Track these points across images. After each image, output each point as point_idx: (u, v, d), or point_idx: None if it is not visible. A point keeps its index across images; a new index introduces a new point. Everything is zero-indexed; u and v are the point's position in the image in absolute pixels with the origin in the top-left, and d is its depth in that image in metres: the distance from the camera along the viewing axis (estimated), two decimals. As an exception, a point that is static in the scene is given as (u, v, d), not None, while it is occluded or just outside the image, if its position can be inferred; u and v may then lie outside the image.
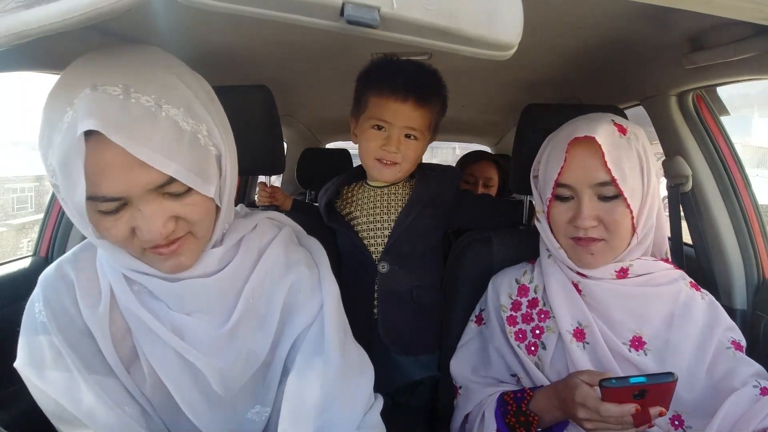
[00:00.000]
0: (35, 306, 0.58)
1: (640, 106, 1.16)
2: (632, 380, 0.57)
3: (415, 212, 0.97)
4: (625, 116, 0.93)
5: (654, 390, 0.58)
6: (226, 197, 0.57)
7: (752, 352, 0.96)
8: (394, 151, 0.93)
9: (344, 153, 2.17)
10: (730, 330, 0.73)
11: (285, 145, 2.46)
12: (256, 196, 1.21)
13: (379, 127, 0.93)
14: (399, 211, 0.98)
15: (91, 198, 0.46)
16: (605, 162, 0.67)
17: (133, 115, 0.45)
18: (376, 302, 0.99)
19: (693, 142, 1.04)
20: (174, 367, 0.57)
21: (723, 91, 1.03)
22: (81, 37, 0.80)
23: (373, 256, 0.99)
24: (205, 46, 0.96)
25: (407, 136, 0.94)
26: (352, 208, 1.03)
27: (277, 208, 1.15)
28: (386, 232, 0.99)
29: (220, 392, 0.58)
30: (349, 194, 1.05)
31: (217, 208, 0.57)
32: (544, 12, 0.74)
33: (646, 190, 0.71)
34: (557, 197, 0.74)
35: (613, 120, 0.72)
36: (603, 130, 0.69)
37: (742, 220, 1.02)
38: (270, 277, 0.63)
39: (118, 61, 0.48)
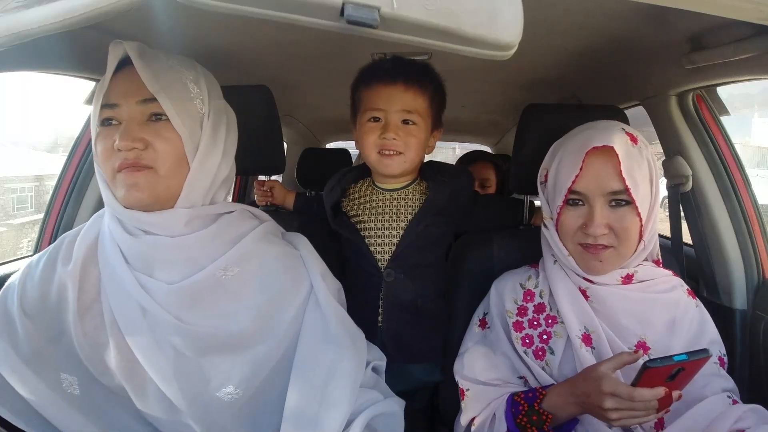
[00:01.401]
0: (12, 278, 0.66)
1: (640, 106, 1.16)
2: (675, 358, 0.59)
3: (426, 221, 0.93)
4: (625, 116, 0.93)
5: (689, 368, 0.60)
6: (198, 159, 0.63)
7: (752, 352, 0.96)
8: (394, 137, 0.89)
9: (344, 153, 2.16)
10: (717, 344, 0.76)
11: (285, 145, 2.46)
12: (255, 196, 1.20)
13: (376, 119, 0.91)
14: (409, 218, 0.94)
15: (102, 106, 0.61)
16: (620, 171, 0.68)
17: (154, 57, 0.62)
18: (380, 310, 0.96)
19: (693, 142, 1.04)
20: (139, 328, 0.60)
21: (723, 91, 1.03)
22: (81, 37, 0.80)
23: (379, 263, 0.95)
24: (205, 46, 0.96)
25: (405, 122, 0.91)
26: (360, 211, 0.98)
27: (277, 209, 1.15)
28: (394, 240, 0.95)
29: (180, 345, 0.60)
30: (356, 194, 1.00)
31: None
32: (544, 12, 0.74)
33: (654, 198, 0.73)
34: (569, 203, 0.74)
35: (623, 129, 0.72)
36: (618, 140, 0.69)
37: (742, 220, 1.02)
38: (247, 261, 0.65)
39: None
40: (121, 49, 0.60)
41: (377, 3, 0.34)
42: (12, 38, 0.36)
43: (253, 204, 1.24)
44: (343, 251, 1.02)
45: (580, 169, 0.70)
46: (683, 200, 1.08)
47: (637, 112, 1.16)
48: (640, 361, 0.64)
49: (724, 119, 1.05)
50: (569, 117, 0.93)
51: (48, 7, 0.35)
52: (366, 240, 0.96)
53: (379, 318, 0.96)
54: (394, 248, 0.95)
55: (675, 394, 0.62)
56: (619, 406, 0.62)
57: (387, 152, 0.90)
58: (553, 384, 0.74)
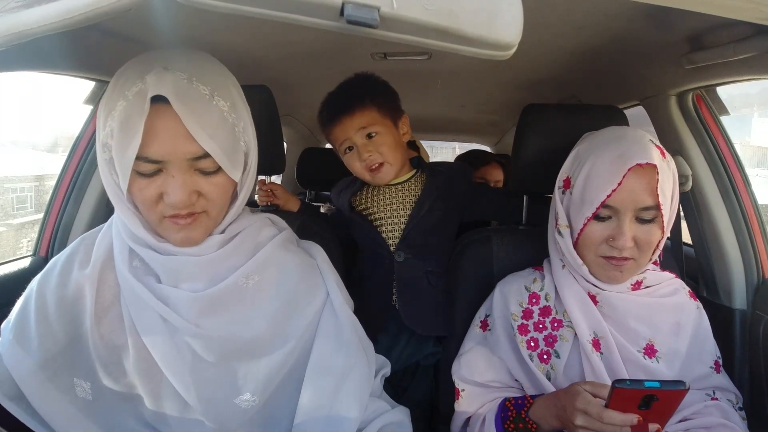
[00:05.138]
0: (33, 282, 0.65)
1: (640, 106, 1.16)
2: (647, 384, 0.56)
3: (427, 206, 1.05)
4: (625, 116, 0.93)
5: (664, 397, 0.57)
6: (245, 190, 0.63)
7: (752, 352, 0.96)
8: (369, 154, 1.01)
9: (344, 153, 2.16)
10: (714, 347, 0.79)
11: (285, 145, 2.46)
12: (256, 195, 1.20)
13: (349, 148, 1.03)
14: (413, 205, 1.07)
15: (137, 157, 0.53)
16: (656, 188, 0.67)
17: (192, 96, 0.54)
18: (394, 290, 1.06)
19: (693, 141, 1.04)
20: (158, 333, 0.60)
21: (723, 91, 1.03)
22: (81, 37, 0.80)
23: (391, 247, 1.07)
24: (205, 46, 0.95)
25: (369, 136, 1.01)
26: (370, 204, 1.10)
27: (277, 208, 1.15)
28: (402, 226, 1.07)
29: (199, 351, 0.60)
30: (366, 192, 1.12)
31: (233, 201, 0.64)
32: (544, 12, 0.74)
33: (674, 210, 0.73)
34: (596, 217, 0.72)
35: (652, 141, 0.71)
36: (656, 156, 0.68)
37: (742, 220, 1.02)
38: (266, 269, 0.65)
39: (182, 56, 0.57)
40: (154, 92, 0.51)
41: (377, 3, 0.34)
42: (12, 38, 0.36)
43: (254, 204, 1.24)
44: (357, 244, 1.15)
45: (619, 184, 0.68)
46: (683, 200, 1.08)
47: (637, 113, 1.16)
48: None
49: (723, 119, 1.05)
50: (569, 117, 0.93)
51: (48, 7, 0.35)
52: (378, 228, 1.08)
53: (394, 297, 1.07)
54: (401, 233, 1.06)
55: (653, 427, 0.59)
56: (588, 425, 0.61)
57: (372, 168, 1.02)
58: (542, 393, 0.74)
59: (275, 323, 0.64)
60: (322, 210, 1.40)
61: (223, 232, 0.63)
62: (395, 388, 1.12)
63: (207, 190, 0.58)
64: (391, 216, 1.08)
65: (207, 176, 0.57)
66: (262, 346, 0.63)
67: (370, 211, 1.10)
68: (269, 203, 1.15)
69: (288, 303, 0.66)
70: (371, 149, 1.01)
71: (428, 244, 1.06)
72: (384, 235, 1.08)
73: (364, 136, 1.01)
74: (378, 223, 1.08)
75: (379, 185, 1.09)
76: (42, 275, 0.64)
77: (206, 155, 0.55)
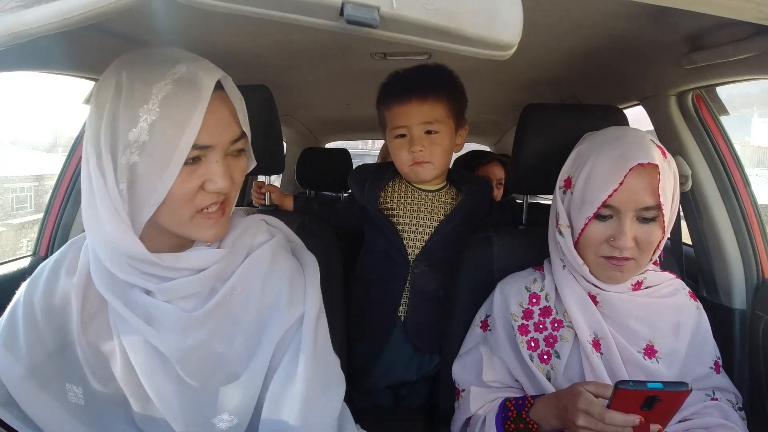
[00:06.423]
0: (21, 287, 0.64)
1: (640, 106, 1.16)
2: (650, 385, 0.56)
3: (456, 222, 1.03)
4: (625, 116, 0.93)
5: (666, 398, 0.57)
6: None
7: (751, 352, 0.96)
8: (420, 149, 0.96)
9: (344, 153, 2.17)
10: (714, 348, 0.79)
11: (285, 145, 2.46)
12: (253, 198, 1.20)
13: (402, 135, 0.98)
14: (441, 218, 1.03)
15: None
16: (657, 188, 0.67)
17: (229, 85, 0.59)
18: (403, 300, 1.03)
19: (692, 141, 1.04)
20: (142, 349, 0.59)
21: (723, 91, 1.03)
22: (81, 37, 0.80)
23: (409, 256, 1.03)
24: (205, 46, 0.96)
25: (428, 132, 0.97)
26: (395, 205, 1.05)
27: (276, 208, 1.15)
28: (425, 237, 1.03)
29: (184, 375, 0.59)
30: (392, 189, 1.07)
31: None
32: (544, 12, 0.74)
33: (675, 210, 0.73)
34: (597, 217, 0.72)
35: (653, 141, 0.71)
36: (658, 156, 0.68)
37: (742, 219, 1.02)
38: (251, 280, 0.64)
39: (184, 51, 0.58)
40: (213, 78, 0.55)
41: (377, 3, 0.34)
42: (12, 38, 0.36)
43: (252, 204, 1.24)
44: (369, 245, 1.10)
45: (620, 184, 0.68)
46: (683, 200, 1.08)
47: (637, 113, 1.17)
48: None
49: (723, 119, 1.05)
50: (569, 117, 0.93)
51: (48, 7, 0.35)
52: (400, 234, 1.03)
53: (400, 308, 1.03)
54: (424, 243, 1.03)
55: (654, 427, 0.59)
56: (590, 425, 0.61)
57: (417, 162, 0.98)
58: (542, 394, 0.74)
59: (251, 338, 0.62)
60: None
61: (217, 246, 0.62)
62: (394, 394, 1.11)
63: (235, 174, 0.60)
64: (416, 224, 1.03)
65: (235, 159, 0.60)
66: (239, 362, 0.62)
67: (394, 213, 1.04)
68: (265, 204, 1.15)
69: (263, 316, 0.63)
70: (425, 145, 0.96)
71: (446, 258, 1.03)
72: (406, 242, 1.03)
73: (423, 131, 0.96)
74: (399, 228, 1.03)
75: (412, 183, 1.04)
76: (30, 281, 0.64)
77: (241, 137, 0.59)
